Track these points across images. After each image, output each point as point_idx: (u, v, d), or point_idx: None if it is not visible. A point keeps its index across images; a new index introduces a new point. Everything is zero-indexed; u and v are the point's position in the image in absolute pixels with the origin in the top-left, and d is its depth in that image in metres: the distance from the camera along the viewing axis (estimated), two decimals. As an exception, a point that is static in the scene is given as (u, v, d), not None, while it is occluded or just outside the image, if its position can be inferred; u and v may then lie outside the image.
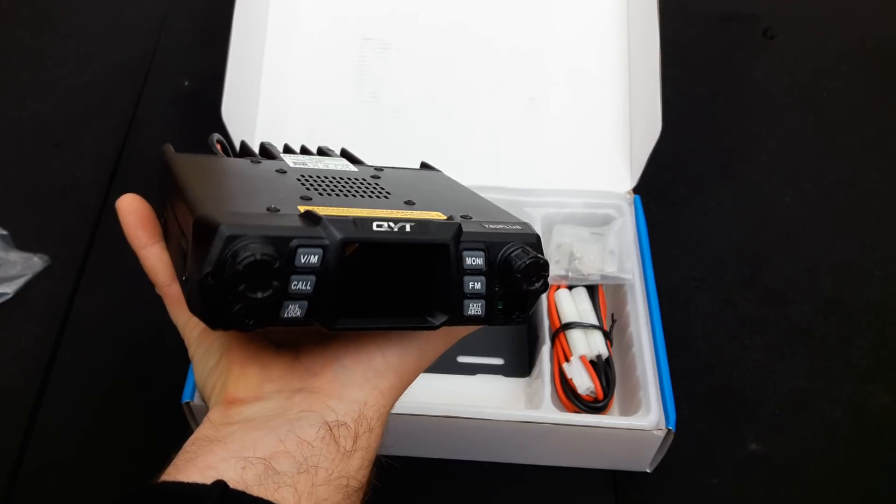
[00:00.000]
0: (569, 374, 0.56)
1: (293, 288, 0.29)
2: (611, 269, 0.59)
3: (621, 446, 0.53)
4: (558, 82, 0.67)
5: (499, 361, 0.59)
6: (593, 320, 0.58)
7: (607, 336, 0.58)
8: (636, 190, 0.64)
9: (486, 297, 0.32)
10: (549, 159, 0.65)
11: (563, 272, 0.60)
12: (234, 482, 0.28)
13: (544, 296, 0.59)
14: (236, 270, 0.27)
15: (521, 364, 0.59)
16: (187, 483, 0.29)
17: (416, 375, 0.36)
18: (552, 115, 0.66)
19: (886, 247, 0.69)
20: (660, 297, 0.58)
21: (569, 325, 0.58)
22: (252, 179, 0.36)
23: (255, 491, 0.28)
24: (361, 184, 0.37)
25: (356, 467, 0.31)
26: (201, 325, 0.36)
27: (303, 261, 0.29)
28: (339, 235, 0.29)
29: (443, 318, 0.32)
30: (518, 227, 0.33)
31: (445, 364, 0.58)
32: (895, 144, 0.76)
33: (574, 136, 0.66)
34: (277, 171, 0.37)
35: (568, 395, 0.55)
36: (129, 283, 0.64)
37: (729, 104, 0.79)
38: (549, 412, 0.52)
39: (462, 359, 0.59)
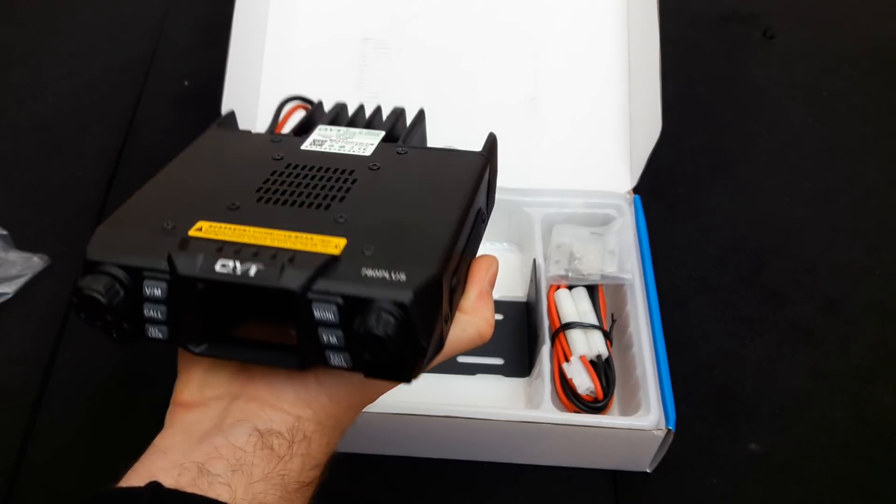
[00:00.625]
0: (569, 374, 0.56)
1: (147, 314, 0.31)
2: (611, 269, 0.59)
3: (621, 446, 0.53)
4: (558, 82, 0.67)
5: (499, 361, 0.59)
6: (593, 320, 0.58)
7: (607, 336, 0.58)
8: (636, 190, 0.64)
9: (348, 350, 0.31)
10: (549, 159, 0.65)
11: (563, 272, 0.60)
12: (170, 486, 0.29)
13: (544, 296, 0.59)
14: (78, 300, 0.30)
15: (521, 364, 0.59)
16: (123, 488, 0.30)
17: (361, 401, 0.35)
18: (552, 115, 0.66)
19: (886, 247, 0.69)
20: (660, 297, 0.58)
21: (569, 325, 0.58)
22: (222, 174, 0.37)
23: (189, 490, 0.29)
24: (335, 182, 0.36)
25: (296, 469, 0.32)
26: None
27: (149, 292, 0.31)
28: (181, 272, 0.30)
29: (309, 363, 0.32)
30: (402, 276, 0.30)
31: (446, 364, 0.58)
32: (895, 144, 0.76)
33: (574, 136, 0.66)
34: (274, 158, 0.38)
35: (568, 395, 0.55)
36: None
37: (729, 104, 0.79)
38: (549, 412, 0.52)
39: (462, 359, 0.59)
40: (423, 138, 0.45)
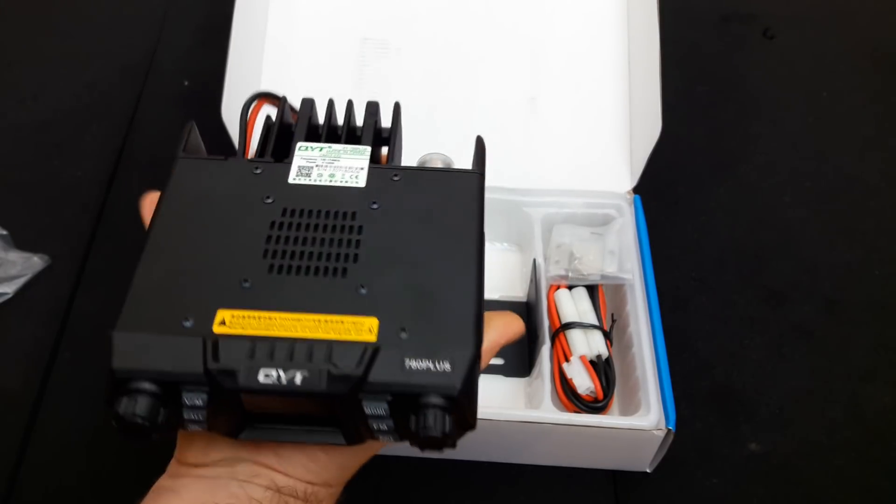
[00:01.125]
0: (569, 374, 0.56)
1: (187, 417, 0.30)
2: (611, 269, 0.59)
3: (621, 446, 0.53)
4: (558, 82, 0.67)
5: (499, 361, 0.59)
6: (593, 320, 0.58)
7: (607, 336, 0.58)
8: (636, 190, 0.64)
9: (398, 432, 0.31)
10: (549, 159, 0.65)
11: (563, 272, 0.60)
12: None
13: (544, 296, 0.59)
14: (121, 426, 0.29)
15: (521, 364, 0.59)
16: None
17: (369, 456, 0.35)
18: (552, 115, 0.66)
19: (886, 247, 0.69)
20: (660, 297, 0.58)
21: (569, 325, 0.58)
22: (218, 233, 0.35)
23: None
24: (341, 233, 0.34)
25: None
26: None
27: (189, 402, 0.30)
28: (224, 386, 0.29)
29: (356, 439, 0.32)
30: (447, 366, 0.30)
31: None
32: (895, 144, 0.76)
33: (574, 136, 0.66)
34: (265, 200, 0.36)
35: (568, 395, 0.55)
36: (128, 282, 0.64)
37: (729, 104, 0.79)
38: (549, 412, 0.52)
39: (462, 359, 0.59)
40: (400, 135, 0.43)
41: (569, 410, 0.55)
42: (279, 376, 0.29)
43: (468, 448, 0.55)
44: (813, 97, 0.80)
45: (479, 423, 0.51)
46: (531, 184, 0.64)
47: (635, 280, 0.58)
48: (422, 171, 0.38)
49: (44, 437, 0.57)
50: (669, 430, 0.51)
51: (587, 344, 0.57)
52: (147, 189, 0.38)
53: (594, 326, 0.58)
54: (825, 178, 0.74)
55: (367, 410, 0.30)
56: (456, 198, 0.37)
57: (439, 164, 0.39)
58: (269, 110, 0.44)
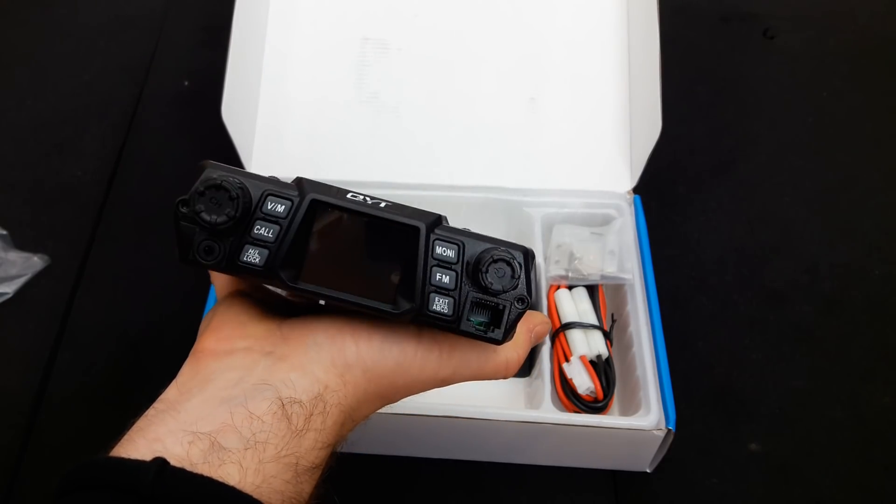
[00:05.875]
0: (569, 374, 0.56)
1: (255, 232, 0.31)
2: (611, 269, 0.59)
3: (621, 446, 0.53)
4: (558, 82, 0.67)
5: (499, 361, 0.59)
6: (593, 320, 0.58)
7: (607, 336, 0.58)
8: (636, 190, 0.64)
9: (454, 295, 0.32)
10: (549, 159, 0.65)
11: (563, 272, 0.60)
12: (179, 458, 0.29)
13: (544, 296, 0.59)
14: (198, 190, 0.30)
15: (521, 364, 0.59)
16: (126, 459, 0.29)
17: (393, 391, 0.35)
18: (552, 116, 0.66)
19: (886, 247, 0.69)
20: (660, 297, 0.58)
21: (569, 325, 0.58)
22: None
23: (199, 468, 0.28)
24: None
25: (308, 447, 0.31)
26: (217, 283, 0.38)
27: (269, 207, 0.31)
28: (310, 195, 0.31)
29: (406, 307, 0.32)
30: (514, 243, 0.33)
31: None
32: (895, 144, 0.76)
33: (574, 136, 0.66)
34: None
35: (568, 395, 0.55)
36: (128, 282, 0.64)
37: (729, 104, 0.79)
38: (549, 412, 0.52)
39: (462, 359, 0.59)
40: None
41: (569, 410, 0.55)
42: (366, 199, 0.32)
43: (469, 448, 0.55)
44: (813, 97, 0.80)
45: (478, 423, 0.52)
46: (531, 184, 0.64)
47: (635, 280, 0.58)
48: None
49: (44, 437, 0.57)
50: (669, 430, 0.51)
51: (587, 344, 0.57)
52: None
53: (594, 326, 0.58)
54: (825, 178, 0.74)
55: (439, 250, 0.32)
56: None
57: None
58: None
